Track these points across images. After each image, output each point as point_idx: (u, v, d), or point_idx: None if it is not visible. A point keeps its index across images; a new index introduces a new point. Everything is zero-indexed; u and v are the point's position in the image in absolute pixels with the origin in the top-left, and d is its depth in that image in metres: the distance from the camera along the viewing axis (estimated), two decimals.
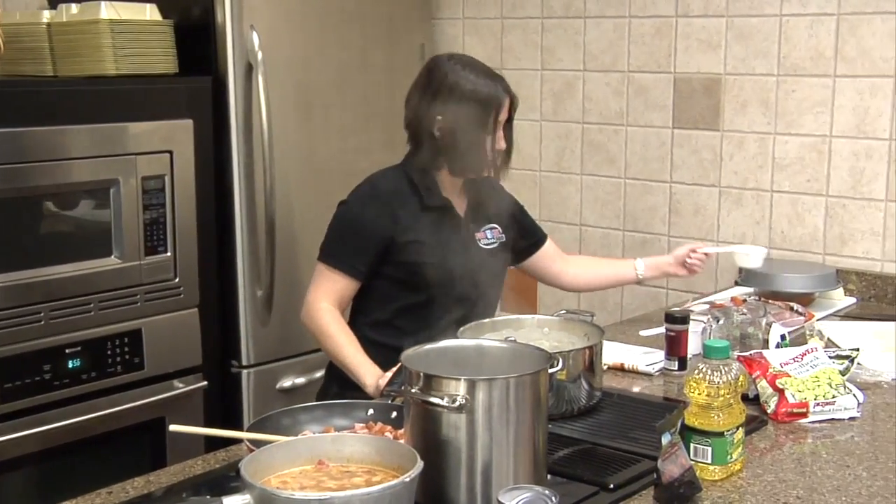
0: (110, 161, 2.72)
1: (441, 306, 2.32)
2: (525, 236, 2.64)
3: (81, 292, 2.68)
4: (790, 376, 2.06)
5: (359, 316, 2.41)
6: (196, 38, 3.00)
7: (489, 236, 2.48)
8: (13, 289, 2.56)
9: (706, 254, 2.64)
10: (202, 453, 1.87)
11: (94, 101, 2.74)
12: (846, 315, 2.81)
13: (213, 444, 1.91)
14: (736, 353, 2.12)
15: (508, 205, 2.59)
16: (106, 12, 2.80)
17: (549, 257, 2.69)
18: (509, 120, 2.40)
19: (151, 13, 2.90)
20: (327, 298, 2.33)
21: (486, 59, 3.66)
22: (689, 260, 2.63)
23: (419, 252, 2.34)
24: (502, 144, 2.38)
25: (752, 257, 2.67)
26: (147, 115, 2.80)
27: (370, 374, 2.19)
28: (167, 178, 2.82)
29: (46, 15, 2.94)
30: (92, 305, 2.70)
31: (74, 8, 2.88)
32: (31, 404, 2.60)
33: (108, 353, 2.74)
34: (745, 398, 1.86)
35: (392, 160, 3.54)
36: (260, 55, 2.98)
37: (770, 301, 2.65)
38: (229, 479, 1.70)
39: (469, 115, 2.32)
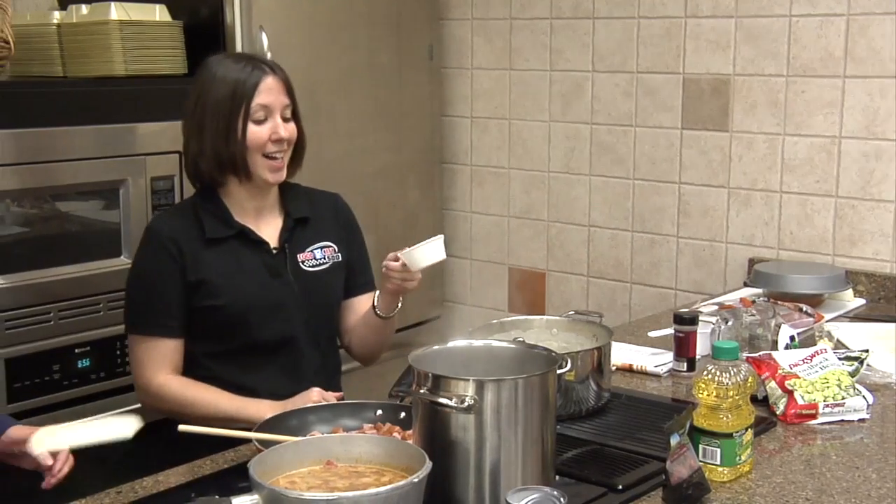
0: (119, 161, 2.73)
1: (253, 352, 2.11)
2: (351, 273, 2.29)
3: (90, 292, 2.68)
4: (799, 378, 2.05)
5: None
6: (205, 38, 3.00)
7: (318, 256, 2.21)
8: (23, 289, 2.56)
9: (396, 260, 2.12)
10: (211, 453, 1.87)
11: (104, 101, 2.74)
12: (855, 316, 2.80)
13: (222, 444, 1.91)
14: (745, 355, 2.11)
15: (347, 222, 2.31)
16: (115, 13, 2.81)
17: (361, 311, 2.28)
18: (294, 112, 2.16)
19: (161, 14, 2.91)
20: (161, 370, 2.08)
21: (495, 60, 3.70)
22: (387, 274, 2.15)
23: (209, 294, 2.09)
24: (280, 133, 2.10)
25: (431, 250, 2.09)
26: (156, 115, 2.80)
27: (266, 407, 1.98)
28: (176, 179, 2.82)
29: (56, 16, 2.95)
30: (101, 305, 2.70)
31: (84, 9, 2.88)
32: (41, 404, 2.61)
33: (118, 353, 2.75)
34: (753, 399, 1.86)
35: (398, 161, 3.58)
36: (269, 56, 2.98)
37: (779, 302, 2.64)
38: (238, 480, 1.70)
39: (225, 104, 2.07)
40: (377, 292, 2.24)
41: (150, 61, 2.86)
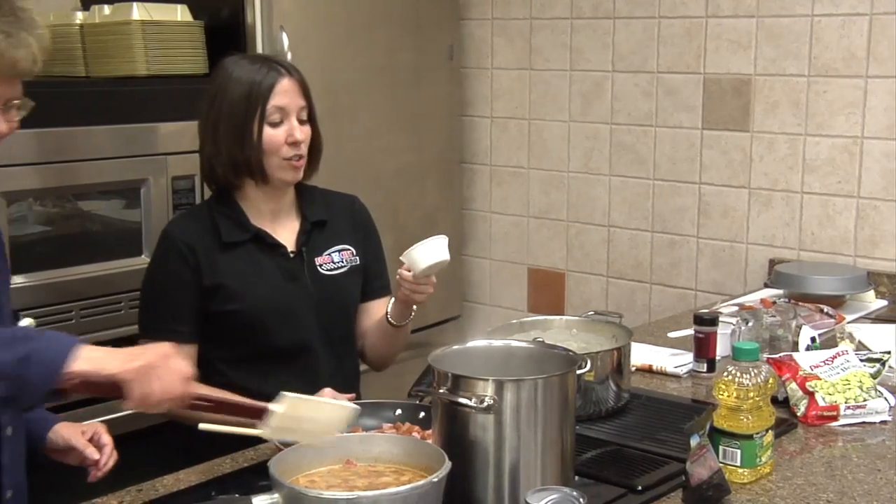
0: (140, 161, 2.74)
1: (268, 357, 2.08)
2: (367, 277, 2.27)
3: (112, 291, 2.70)
4: (820, 379, 2.04)
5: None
6: (226, 38, 3.01)
7: (336, 259, 2.19)
8: (44, 288, 2.58)
9: (406, 272, 2.10)
10: (231, 452, 1.88)
11: (125, 101, 2.76)
12: (877, 318, 2.78)
13: (242, 442, 1.92)
14: (765, 356, 2.11)
15: (364, 224, 2.28)
16: (137, 13, 2.82)
17: (375, 315, 2.25)
18: (311, 115, 2.14)
19: (182, 14, 2.92)
20: None
21: (515, 60, 3.70)
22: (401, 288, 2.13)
23: (226, 299, 2.07)
24: (296, 135, 2.08)
25: (432, 249, 2.07)
26: (177, 115, 2.81)
27: None
28: (197, 179, 2.83)
29: (79, 16, 2.97)
30: (122, 304, 2.71)
31: (107, 9, 2.90)
32: (61, 403, 2.62)
33: None
34: (774, 401, 1.85)
35: (418, 161, 3.58)
36: (289, 56, 2.99)
37: (800, 303, 2.62)
38: (258, 478, 1.71)
39: (240, 106, 2.06)
40: (392, 299, 2.21)
41: (171, 61, 2.87)
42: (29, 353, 1.38)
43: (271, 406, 1.52)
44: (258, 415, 1.50)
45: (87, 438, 1.82)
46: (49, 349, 1.41)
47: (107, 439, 1.83)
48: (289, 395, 1.53)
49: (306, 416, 1.52)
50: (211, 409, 1.51)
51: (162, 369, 1.46)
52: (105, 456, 1.80)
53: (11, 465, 1.72)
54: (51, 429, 1.83)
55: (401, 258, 2.09)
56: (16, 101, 1.66)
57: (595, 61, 3.50)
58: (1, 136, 1.65)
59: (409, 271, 2.09)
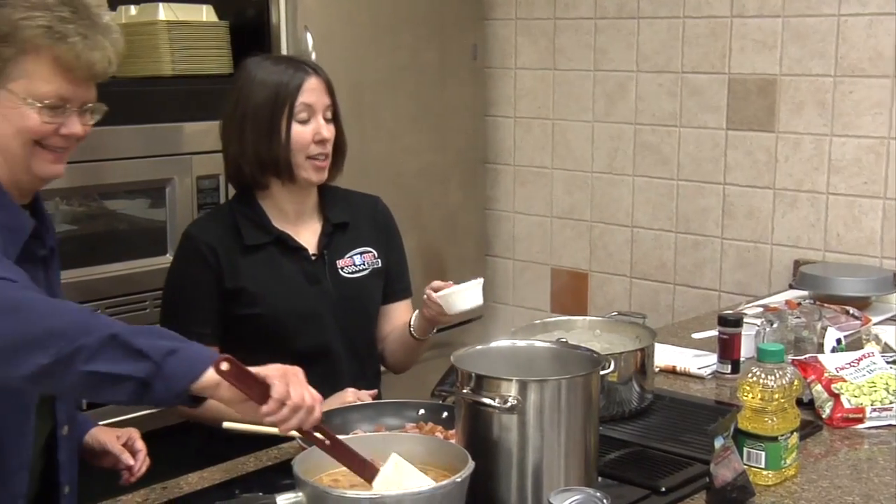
0: (165, 160, 2.76)
1: (290, 361, 1.93)
2: (388, 279, 2.26)
3: (136, 290, 2.71)
4: (846, 381, 2.03)
5: None
6: (251, 38, 3.02)
7: (357, 262, 2.19)
8: (70, 286, 2.58)
9: (435, 297, 2.11)
10: (255, 450, 1.88)
11: (151, 101, 2.77)
12: None
13: (266, 441, 1.92)
14: (790, 357, 2.09)
15: (386, 226, 2.29)
16: (163, 14, 2.84)
17: (396, 318, 2.26)
18: (335, 114, 2.15)
19: (207, 14, 2.94)
20: None
21: (538, 60, 3.69)
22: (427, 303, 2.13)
23: (247, 302, 2.07)
24: (323, 133, 2.09)
25: (468, 295, 2.10)
26: (202, 115, 2.82)
27: None
28: (221, 178, 2.85)
29: None
30: (147, 303, 2.73)
31: (133, 10, 2.92)
32: (86, 400, 2.64)
33: None
34: (799, 402, 1.84)
35: (441, 161, 3.59)
36: (314, 56, 3.00)
37: (825, 305, 2.61)
38: (281, 477, 1.71)
39: (268, 105, 2.06)
40: (416, 312, 2.21)
41: (196, 61, 2.89)
42: (178, 347, 1.40)
43: (382, 468, 1.48)
44: (368, 474, 1.47)
45: (121, 443, 1.85)
46: (196, 350, 1.43)
47: (140, 445, 1.86)
48: (396, 456, 1.50)
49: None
50: (326, 446, 1.50)
51: (300, 377, 1.48)
52: (139, 462, 1.84)
53: (68, 462, 1.76)
54: (87, 432, 1.87)
55: (436, 298, 2.09)
56: (90, 105, 1.69)
57: (619, 61, 3.50)
58: (78, 138, 1.69)
59: (438, 302, 2.09)
